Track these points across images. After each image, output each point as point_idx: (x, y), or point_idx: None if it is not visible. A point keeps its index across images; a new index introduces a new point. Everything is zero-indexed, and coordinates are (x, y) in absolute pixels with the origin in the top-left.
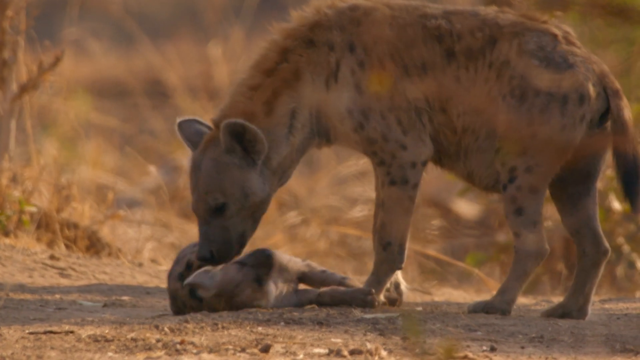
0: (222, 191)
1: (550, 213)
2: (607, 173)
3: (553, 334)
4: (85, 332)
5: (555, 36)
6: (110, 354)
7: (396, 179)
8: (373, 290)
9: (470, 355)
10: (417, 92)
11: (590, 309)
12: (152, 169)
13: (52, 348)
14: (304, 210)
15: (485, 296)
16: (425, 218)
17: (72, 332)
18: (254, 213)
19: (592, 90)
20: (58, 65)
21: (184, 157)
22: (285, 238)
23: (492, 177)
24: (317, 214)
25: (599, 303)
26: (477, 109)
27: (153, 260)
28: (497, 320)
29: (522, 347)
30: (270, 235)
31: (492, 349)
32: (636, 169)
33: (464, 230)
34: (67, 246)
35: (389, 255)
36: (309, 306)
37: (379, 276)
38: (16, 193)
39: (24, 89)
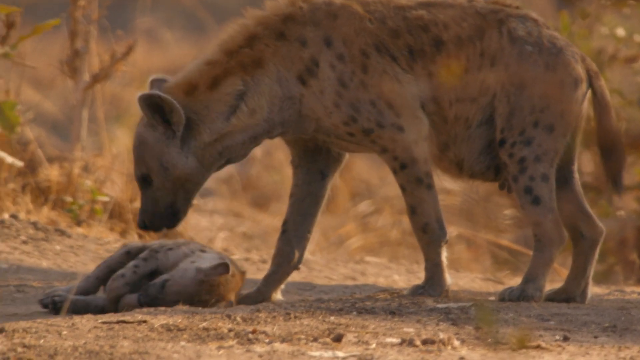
0: (145, 164)
1: (623, 203)
2: None
3: (626, 323)
4: (158, 321)
5: (536, 21)
6: (182, 343)
7: (406, 162)
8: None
9: (543, 344)
10: (409, 79)
11: (589, 291)
12: None
13: (124, 337)
14: (376, 199)
15: (558, 285)
16: (497, 208)
17: (144, 321)
18: (183, 185)
19: (582, 72)
20: (130, 54)
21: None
22: (357, 227)
23: (482, 163)
24: (389, 203)
25: None
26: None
27: (225, 250)
28: (570, 310)
29: (595, 337)
30: (343, 225)
31: (565, 339)
32: (620, 148)
33: None
34: (139, 235)
35: (431, 235)
36: (381, 295)
37: (434, 259)
38: (88, 182)
39: (96, 78)
